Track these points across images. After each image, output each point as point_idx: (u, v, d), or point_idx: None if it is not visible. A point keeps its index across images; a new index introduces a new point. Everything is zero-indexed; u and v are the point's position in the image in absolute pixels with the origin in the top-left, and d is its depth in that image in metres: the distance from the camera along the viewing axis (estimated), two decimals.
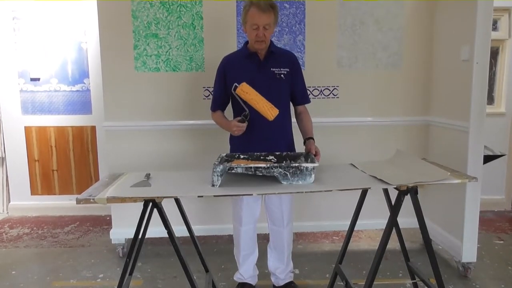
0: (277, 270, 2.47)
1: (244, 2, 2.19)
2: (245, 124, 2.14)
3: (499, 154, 3.16)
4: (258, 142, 2.23)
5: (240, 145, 2.30)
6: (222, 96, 2.34)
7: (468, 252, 2.62)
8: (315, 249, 3.16)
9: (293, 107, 2.42)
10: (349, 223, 2.22)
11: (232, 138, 2.41)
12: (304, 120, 2.38)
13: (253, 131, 2.20)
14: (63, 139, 3.98)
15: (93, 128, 3.96)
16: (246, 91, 2.08)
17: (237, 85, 2.10)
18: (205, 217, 3.07)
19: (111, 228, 3.04)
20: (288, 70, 2.28)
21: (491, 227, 3.56)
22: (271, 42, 2.29)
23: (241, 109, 2.27)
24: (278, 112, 2.07)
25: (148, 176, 2.00)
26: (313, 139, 2.27)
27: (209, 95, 2.94)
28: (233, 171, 1.82)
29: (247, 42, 2.30)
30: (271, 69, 2.25)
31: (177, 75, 2.95)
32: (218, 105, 2.37)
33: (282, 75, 2.25)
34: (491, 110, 3.79)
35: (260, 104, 2.06)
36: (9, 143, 3.97)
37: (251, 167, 1.82)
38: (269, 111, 2.05)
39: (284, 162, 2.03)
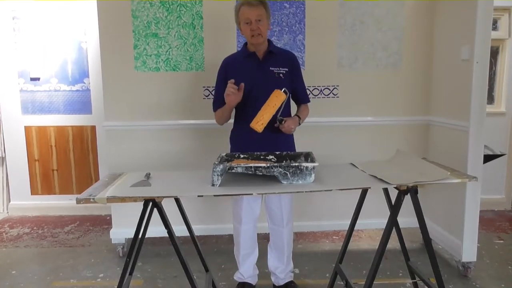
0: (277, 269, 2.47)
1: (235, 5, 2.21)
2: (239, 89, 2.16)
3: (499, 153, 3.17)
4: (258, 142, 2.23)
5: (240, 145, 2.30)
6: (223, 96, 2.34)
7: (468, 252, 2.62)
8: (315, 249, 3.16)
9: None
10: (349, 222, 2.22)
11: (233, 138, 2.41)
12: (300, 108, 2.42)
13: (253, 131, 2.19)
14: (63, 139, 3.98)
15: (93, 128, 3.96)
16: (276, 96, 2.12)
17: (285, 91, 2.17)
18: (205, 217, 3.07)
19: (111, 227, 3.04)
20: (287, 69, 2.28)
21: (491, 226, 3.56)
22: (270, 41, 2.29)
23: (242, 109, 2.29)
24: (257, 130, 2.10)
25: (148, 175, 2.00)
26: (300, 117, 2.32)
27: (209, 94, 2.94)
28: (233, 170, 1.82)
29: (246, 43, 2.31)
30: (270, 68, 2.25)
31: (177, 75, 2.95)
32: (220, 106, 2.37)
33: (281, 75, 2.26)
34: (491, 110, 3.79)
35: (262, 111, 2.11)
36: (9, 143, 3.97)
37: (251, 167, 1.82)
38: (257, 121, 2.09)
39: (284, 161, 2.03)
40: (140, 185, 1.85)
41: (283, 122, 2.19)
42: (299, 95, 2.39)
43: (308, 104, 2.45)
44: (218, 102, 2.36)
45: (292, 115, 2.39)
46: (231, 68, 2.30)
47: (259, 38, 2.19)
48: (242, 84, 2.17)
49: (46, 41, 3.83)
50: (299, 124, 2.32)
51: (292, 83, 2.32)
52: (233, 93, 2.15)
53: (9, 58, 3.85)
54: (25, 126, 3.95)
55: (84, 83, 3.90)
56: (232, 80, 2.15)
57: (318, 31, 2.96)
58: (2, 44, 3.84)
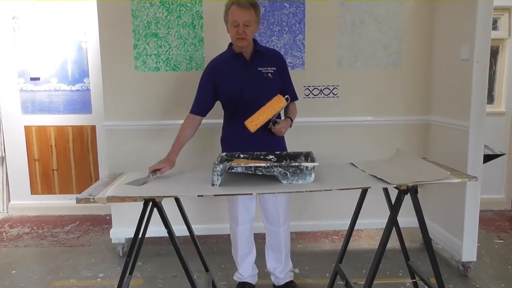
0: (276, 270, 2.47)
1: (226, 2, 2.19)
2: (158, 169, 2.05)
3: (499, 153, 3.16)
4: (249, 142, 2.21)
5: (231, 147, 2.27)
6: (206, 100, 2.30)
7: (468, 251, 2.62)
8: (315, 249, 3.16)
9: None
10: (349, 222, 2.22)
11: (224, 139, 2.40)
12: (289, 108, 2.38)
13: (245, 133, 2.15)
14: (63, 138, 3.98)
15: (93, 128, 3.96)
16: (276, 101, 2.13)
17: (287, 98, 2.18)
18: (205, 217, 3.07)
19: (111, 227, 3.05)
20: (275, 69, 2.27)
21: (491, 226, 3.56)
22: (256, 41, 2.27)
23: (233, 112, 2.29)
24: (250, 130, 2.08)
25: (154, 173, 1.99)
26: (291, 119, 2.30)
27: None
28: (233, 170, 1.82)
29: (231, 43, 2.28)
30: (258, 68, 2.24)
31: (177, 75, 2.95)
32: (197, 108, 2.30)
33: (269, 74, 2.25)
34: (491, 109, 3.79)
35: (259, 112, 2.10)
36: (9, 143, 3.97)
37: (251, 167, 1.82)
38: (251, 121, 2.08)
39: (284, 161, 2.03)
40: (136, 184, 1.85)
41: (276, 124, 2.18)
42: (288, 93, 2.36)
43: (305, 106, 2.42)
44: (196, 106, 2.31)
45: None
46: (218, 71, 2.27)
47: (244, 42, 2.16)
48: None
49: (46, 41, 3.83)
50: (290, 126, 2.30)
51: (281, 82, 2.31)
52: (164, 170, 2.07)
53: (9, 58, 3.85)
54: (25, 126, 3.95)
55: (84, 82, 3.90)
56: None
57: (318, 30, 2.96)
58: (2, 43, 3.83)
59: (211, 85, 2.28)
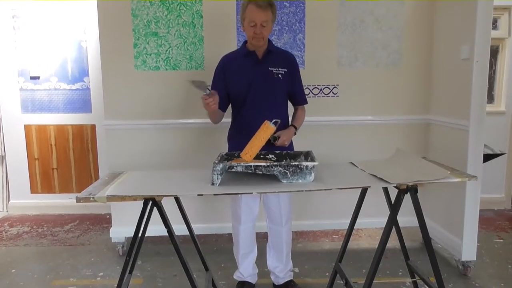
0: (276, 269, 2.47)
1: (243, 2, 2.20)
2: (210, 99, 2.05)
3: (499, 152, 3.16)
4: None
5: (238, 145, 2.28)
6: (220, 96, 2.32)
7: (468, 251, 2.62)
8: (315, 248, 3.16)
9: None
10: (349, 221, 2.22)
11: (230, 137, 2.40)
12: (297, 113, 2.39)
13: (251, 131, 2.17)
14: (63, 137, 3.98)
15: (93, 127, 3.96)
16: (264, 130, 2.03)
17: (275, 122, 2.08)
18: (205, 216, 3.07)
19: (111, 226, 3.05)
20: (286, 70, 2.28)
21: (491, 225, 3.56)
22: (270, 41, 2.29)
23: (240, 109, 2.30)
24: (246, 161, 1.98)
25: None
26: (295, 127, 2.29)
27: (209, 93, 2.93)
28: (233, 169, 1.82)
29: (246, 42, 2.31)
30: (269, 68, 2.25)
31: (177, 74, 2.95)
32: None
33: (279, 75, 2.25)
34: (491, 109, 3.79)
35: (250, 144, 2.02)
36: (9, 142, 3.97)
37: (251, 166, 1.82)
38: (245, 153, 2.00)
39: (284, 160, 2.03)
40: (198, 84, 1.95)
41: (276, 140, 2.16)
42: (297, 97, 2.38)
43: (305, 105, 2.43)
44: None
45: (290, 114, 2.38)
46: (229, 67, 2.29)
47: (260, 41, 2.18)
48: (213, 91, 2.09)
49: (46, 40, 3.83)
50: (295, 134, 2.30)
51: (291, 84, 2.32)
52: (212, 103, 2.06)
53: (9, 57, 3.85)
54: (25, 125, 3.95)
55: (84, 82, 3.90)
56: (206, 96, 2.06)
57: (318, 30, 2.96)
58: (2, 43, 3.83)
59: (223, 81, 2.29)
